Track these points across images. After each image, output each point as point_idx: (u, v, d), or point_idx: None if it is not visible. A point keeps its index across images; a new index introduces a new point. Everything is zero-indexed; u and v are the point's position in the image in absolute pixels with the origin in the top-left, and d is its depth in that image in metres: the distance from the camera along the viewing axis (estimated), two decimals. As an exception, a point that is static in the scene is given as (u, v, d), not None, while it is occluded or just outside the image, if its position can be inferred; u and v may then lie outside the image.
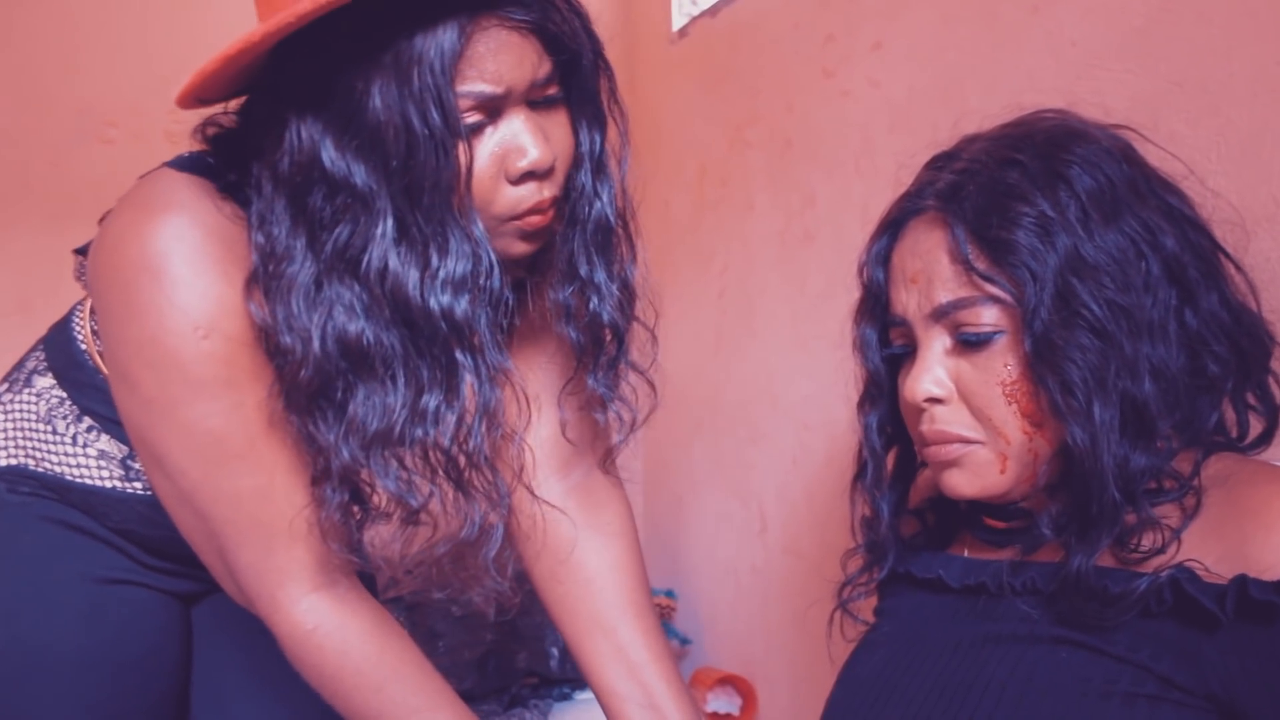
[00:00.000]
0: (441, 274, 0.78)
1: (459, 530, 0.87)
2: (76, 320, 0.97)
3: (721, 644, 2.13)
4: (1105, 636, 0.75)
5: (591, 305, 0.91)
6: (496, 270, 0.80)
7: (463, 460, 0.84)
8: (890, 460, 0.97)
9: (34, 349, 1.02)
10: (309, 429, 0.82)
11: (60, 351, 0.97)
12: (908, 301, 0.86)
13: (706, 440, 2.16)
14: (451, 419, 0.82)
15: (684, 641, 2.22)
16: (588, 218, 0.88)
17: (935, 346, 0.84)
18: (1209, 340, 0.80)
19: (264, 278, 0.80)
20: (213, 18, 2.14)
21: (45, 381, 0.97)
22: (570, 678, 2.06)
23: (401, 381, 0.81)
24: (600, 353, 0.94)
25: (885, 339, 0.92)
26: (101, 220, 0.90)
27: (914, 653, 0.88)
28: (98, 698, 0.98)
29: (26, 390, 0.98)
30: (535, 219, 0.83)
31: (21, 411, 0.97)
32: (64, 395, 0.96)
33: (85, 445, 0.96)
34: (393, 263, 0.77)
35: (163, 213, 0.81)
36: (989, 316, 0.80)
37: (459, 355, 0.81)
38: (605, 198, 0.88)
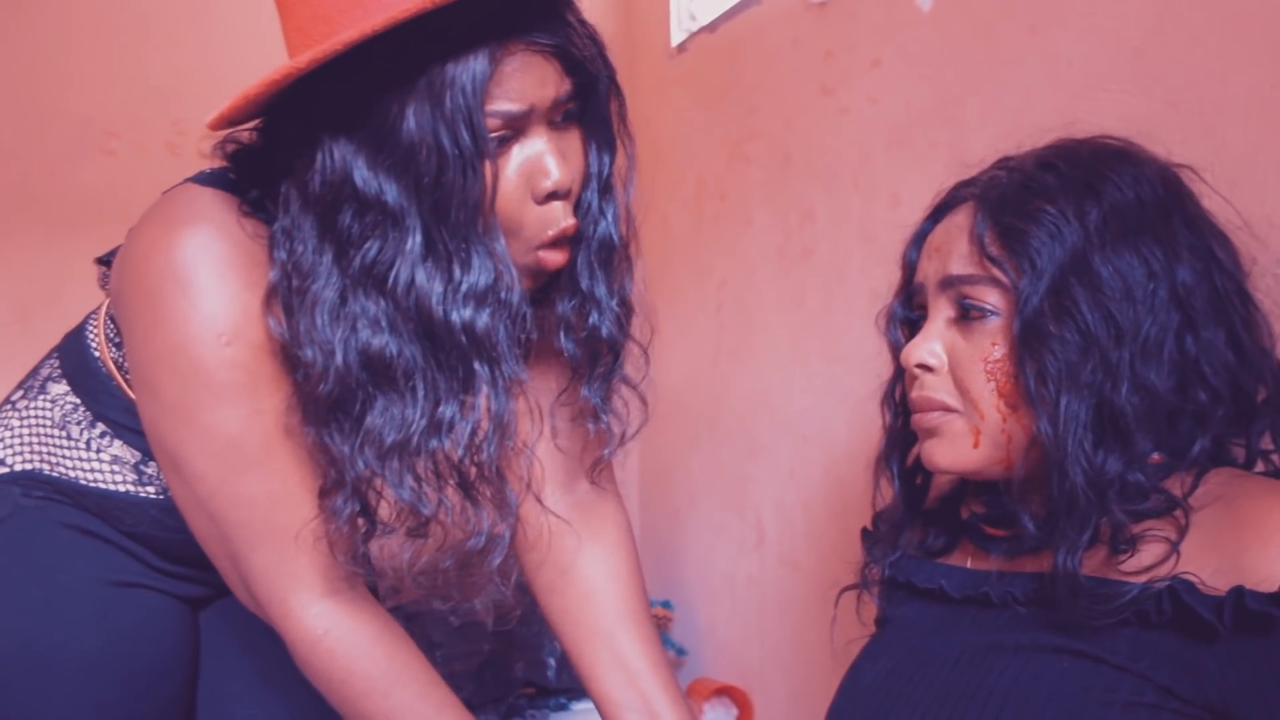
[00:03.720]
0: (464, 288, 0.81)
1: (465, 540, 0.89)
2: (90, 328, 0.99)
3: (718, 655, 2.13)
4: (1106, 646, 0.77)
5: (591, 320, 0.94)
6: (517, 285, 0.84)
7: (474, 471, 0.87)
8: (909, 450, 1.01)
9: (48, 356, 1.04)
10: (324, 440, 0.85)
11: (74, 358, 0.99)
12: (927, 269, 0.92)
13: (704, 453, 2.17)
14: (466, 430, 0.85)
15: (680, 652, 2.23)
16: (593, 235, 0.92)
17: (939, 318, 0.89)
18: (1204, 370, 0.82)
19: (285, 292, 0.83)
20: (213, 29, 2.17)
21: (59, 388, 0.99)
22: (567, 688, 2.06)
23: (421, 393, 0.83)
24: (596, 365, 0.98)
25: (909, 312, 0.97)
26: (130, 234, 0.92)
27: (917, 662, 0.90)
28: (108, 700, 0.99)
29: (41, 397, 1.00)
30: (558, 256, 0.87)
31: (36, 417, 0.99)
32: (78, 401, 0.98)
33: (99, 450, 0.98)
34: (419, 277, 0.81)
35: (188, 225, 0.84)
36: (990, 297, 0.85)
37: (477, 367, 0.84)
38: (610, 217, 0.92)
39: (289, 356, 0.85)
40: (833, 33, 1.64)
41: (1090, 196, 0.83)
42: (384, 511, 0.88)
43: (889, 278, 1.52)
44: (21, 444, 0.99)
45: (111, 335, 0.96)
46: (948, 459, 0.88)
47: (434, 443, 0.84)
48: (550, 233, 0.86)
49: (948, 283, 0.88)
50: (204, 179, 0.89)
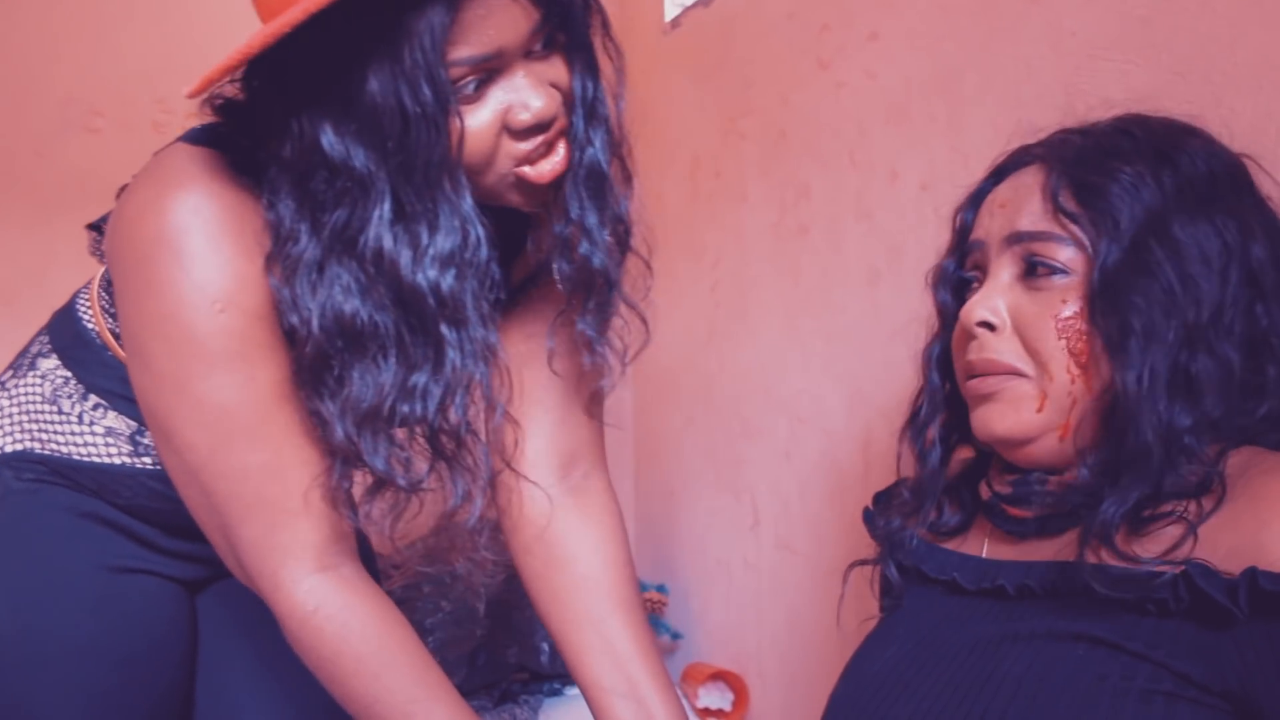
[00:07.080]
0: (430, 251, 0.80)
1: (443, 503, 0.89)
2: (82, 301, 0.98)
3: (713, 639, 2.12)
4: (1124, 632, 0.75)
5: (582, 249, 0.91)
6: (483, 245, 0.82)
7: (446, 434, 0.86)
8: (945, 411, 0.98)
9: (37, 335, 1.02)
10: (314, 405, 0.85)
11: (65, 331, 0.98)
12: (990, 225, 0.89)
13: (699, 434, 2.15)
14: (438, 395, 0.84)
15: (675, 636, 2.21)
16: (580, 163, 0.89)
17: (1002, 276, 0.87)
18: (1274, 343, 0.80)
19: (277, 257, 0.82)
20: (197, 6, 2.13)
21: (49, 363, 0.98)
22: (561, 673, 2.05)
23: (393, 360, 0.83)
24: (590, 297, 0.95)
25: (961, 271, 0.95)
26: (118, 195, 0.90)
27: (928, 651, 0.87)
28: (105, 688, 0.98)
29: (31, 373, 0.98)
30: (544, 167, 0.84)
31: (26, 395, 0.98)
32: (69, 375, 0.96)
33: (92, 423, 0.96)
34: (387, 243, 0.79)
35: (179, 189, 0.82)
36: (1063, 255, 0.83)
37: (444, 330, 0.83)
38: (598, 143, 0.89)
39: (283, 320, 0.84)
40: (829, 6, 1.61)
41: (1166, 164, 0.81)
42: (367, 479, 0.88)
43: (887, 254, 1.51)
44: (11, 424, 0.97)
45: (107, 306, 0.94)
46: (1005, 425, 0.85)
47: (406, 408, 0.83)
48: (525, 152, 0.83)
49: (1015, 239, 0.85)
50: (194, 137, 0.87)
